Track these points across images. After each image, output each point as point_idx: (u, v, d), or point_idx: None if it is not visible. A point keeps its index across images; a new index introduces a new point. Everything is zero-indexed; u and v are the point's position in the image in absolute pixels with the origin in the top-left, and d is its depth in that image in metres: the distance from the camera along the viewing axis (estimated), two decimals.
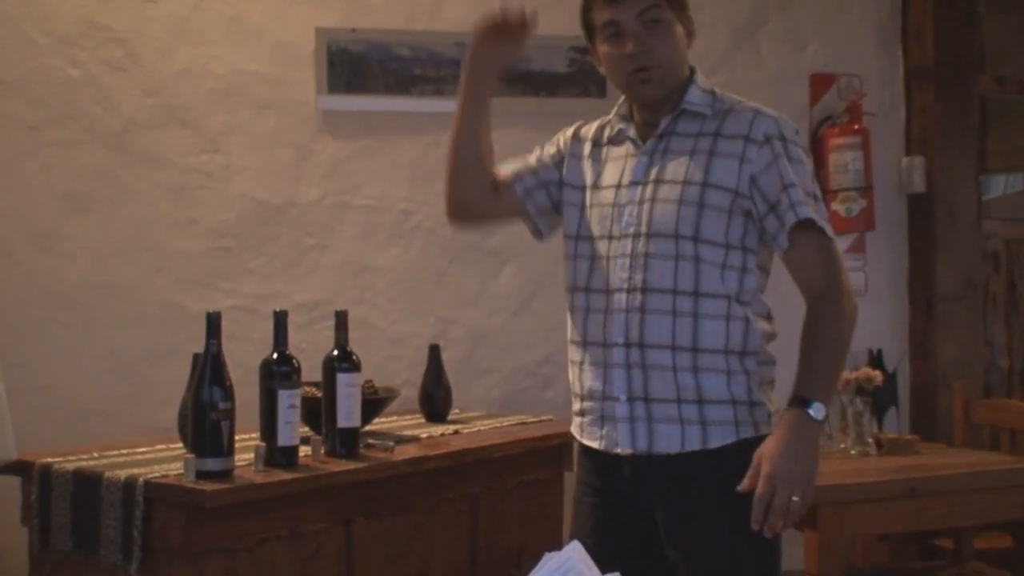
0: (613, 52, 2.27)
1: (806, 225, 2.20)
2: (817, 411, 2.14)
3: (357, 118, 3.95)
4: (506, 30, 2.28)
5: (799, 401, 2.14)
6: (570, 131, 2.47)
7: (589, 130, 2.43)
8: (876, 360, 4.26)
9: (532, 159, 2.47)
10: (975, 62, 4.55)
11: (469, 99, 2.36)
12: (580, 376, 2.34)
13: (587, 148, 2.40)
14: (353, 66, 3.92)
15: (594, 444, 2.31)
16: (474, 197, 2.44)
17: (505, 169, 2.46)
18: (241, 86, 3.84)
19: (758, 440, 2.22)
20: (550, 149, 2.47)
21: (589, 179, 2.37)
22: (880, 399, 4.10)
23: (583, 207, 2.36)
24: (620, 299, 2.25)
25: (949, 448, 4.04)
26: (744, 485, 2.11)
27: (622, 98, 2.40)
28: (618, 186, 2.31)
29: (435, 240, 4.02)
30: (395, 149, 3.98)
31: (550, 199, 2.44)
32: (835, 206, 4.27)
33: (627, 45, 2.24)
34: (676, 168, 2.25)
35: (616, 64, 2.28)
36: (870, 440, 3.82)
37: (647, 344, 2.22)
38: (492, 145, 2.42)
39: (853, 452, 3.78)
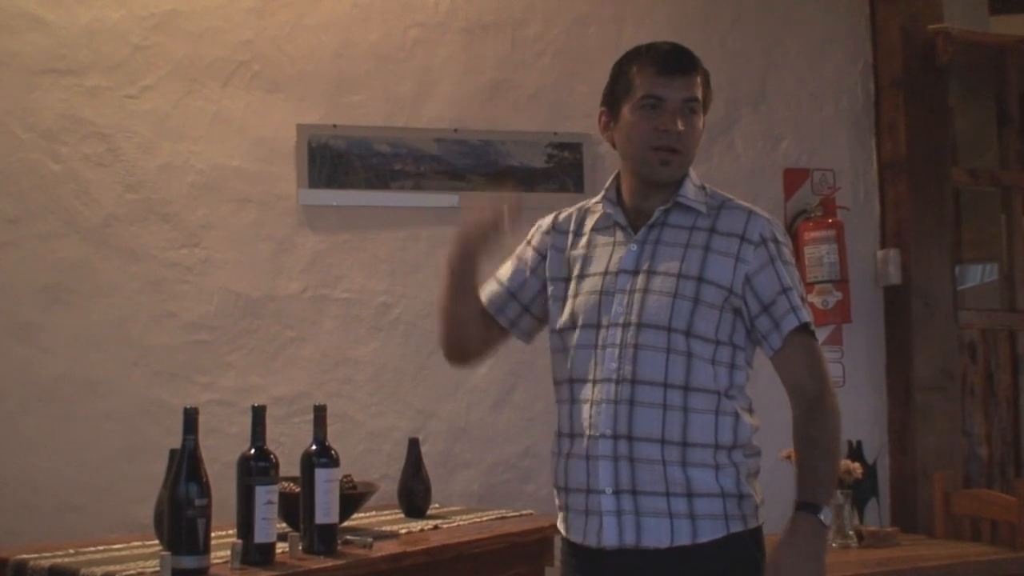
0: (644, 123, 2.26)
1: (800, 328, 2.25)
2: (827, 516, 2.16)
3: (337, 212, 3.98)
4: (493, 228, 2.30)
5: (809, 507, 2.16)
6: (547, 224, 2.46)
7: (569, 220, 2.43)
8: (856, 452, 4.25)
9: (509, 278, 2.46)
10: (947, 154, 4.62)
11: (458, 278, 2.36)
12: (565, 468, 2.31)
13: (569, 239, 2.40)
14: (334, 161, 3.96)
15: (578, 539, 2.28)
16: (473, 344, 2.48)
17: (483, 295, 2.45)
18: (222, 181, 3.87)
19: (747, 533, 2.23)
20: (527, 255, 2.45)
21: (575, 270, 2.36)
22: (860, 491, 4.09)
23: (566, 298, 2.35)
24: (608, 390, 2.23)
25: (930, 539, 4.04)
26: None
27: (609, 181, 2.41)
28: (605, 273, 2.30)
29: (414, 333, 4.02)
30: (374, 243, 4.00)
31: (534, 316, 2.45)
32: (811, 298, 4.30)
33: (666, 121, 2.24)
34: (670, 261, 2.26)
35: (644, 136, 2.27)
36: (851, 532, 3.82)
37: (635, 437, 2.20)
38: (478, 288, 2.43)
39: (834, 545, 3.77)
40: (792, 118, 4.57)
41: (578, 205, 2.46)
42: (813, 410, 2.23)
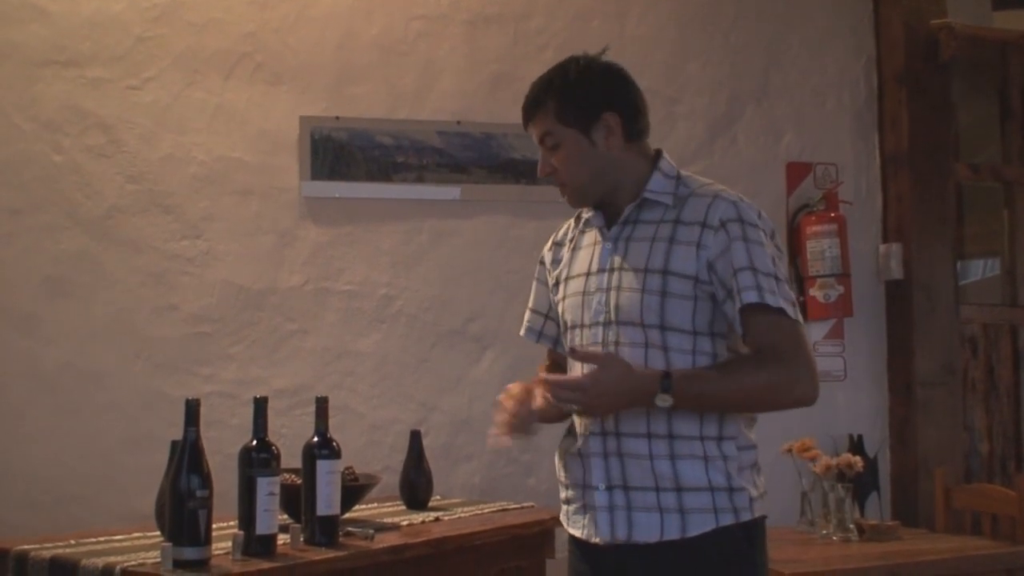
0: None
1: (761, 308, 2.16)
2: (663, 401, 2.13)
3: (339, 204, 3.98)
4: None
5: (666, 382, 2.13)
6: (550, 242, 2.52)
7: (567, 231, 2.49)
8: (857, 446, 4.26)
9: (536, 302, 2.54)
10: (950, 150, 4.62)
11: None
12: (564, 464, 2.34)
13: (565, 248, 2.45)
14: (336, 153, 3.96)
15: (578, 533, 2.31)
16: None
17: (523, 329, 2.58)
18: (224, 172, 3.86)
19: (738, 527, 2.22)
20: (543, 276, 2.51)
21: (563, 273, 2.41)
22: (861, 485, 4.10)
23: (557, 302, 2.42)
24: None
25: (930, 534, 4.04)
26: (581, 355, 2.19)
27: None
28: (587, 274, 2.33)
29: (416, 325, 4.02)
30: (377, 235, 4.00)
31: None
32: (813, 292, 4.31)
33: (540, 167, 2.37)
34: (637, 256, 2.26)
35: None
36: (852, 526, 3.82)
37: (622, 433, 2.22)
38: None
39: (835, 538, 3.78)
40: (795, 113, 4.56)
41: (575, 215, 2.50)
42: (777, 365, 2.16)
